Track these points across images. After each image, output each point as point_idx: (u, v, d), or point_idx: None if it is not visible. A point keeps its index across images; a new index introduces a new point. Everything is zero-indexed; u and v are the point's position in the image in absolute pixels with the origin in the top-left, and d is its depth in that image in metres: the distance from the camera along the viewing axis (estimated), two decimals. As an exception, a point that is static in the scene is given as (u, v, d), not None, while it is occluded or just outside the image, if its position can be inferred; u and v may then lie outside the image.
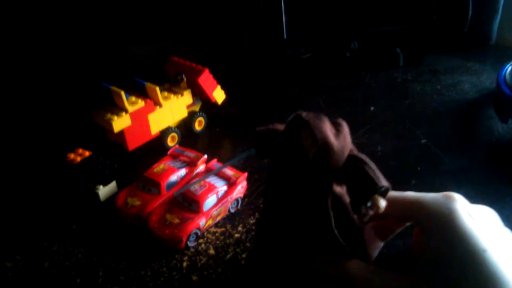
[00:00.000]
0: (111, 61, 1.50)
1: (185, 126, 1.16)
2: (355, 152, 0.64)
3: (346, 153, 0.62)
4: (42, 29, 1.45)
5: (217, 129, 1.21)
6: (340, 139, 0.62)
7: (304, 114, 0.62)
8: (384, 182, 0.59)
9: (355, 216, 0.64)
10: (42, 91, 1.42)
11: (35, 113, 1.34)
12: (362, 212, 0.61)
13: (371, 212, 0.60)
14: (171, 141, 1.12)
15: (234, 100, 1.27)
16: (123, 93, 1.00)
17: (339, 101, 1.30)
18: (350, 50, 1.38)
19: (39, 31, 1.46)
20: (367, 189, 0.59)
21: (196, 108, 1.19)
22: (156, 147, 1.11)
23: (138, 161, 1.08)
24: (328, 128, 0.61)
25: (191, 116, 1.16)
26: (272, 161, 0.69)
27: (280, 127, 0.69)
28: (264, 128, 0.70)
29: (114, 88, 1.01)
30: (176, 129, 1.12)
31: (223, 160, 1.01)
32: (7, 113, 1.33)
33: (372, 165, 0.61)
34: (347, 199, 0.64)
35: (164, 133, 1.10)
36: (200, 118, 1.17)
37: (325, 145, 0.59)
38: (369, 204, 0.59)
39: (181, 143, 1.14)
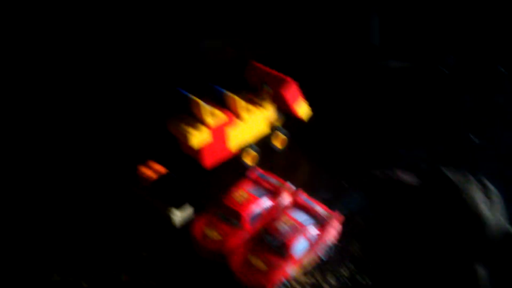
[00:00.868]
0: (179, 57, 1.38)
1: (264, 143, 1.04)
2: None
3: (501, 230, 0.51)
4: (112, 28, 1.35)
5: (300, 150, 1.08)
6: (494, 211, 0.51)
7: (449, 174, 0.52)
8: None
9: None
10: (109, 92, 1.32)
11: (104, 118, 1.21)
12: None
13: None
14: (250, 160, 1.01)
15: (320, 118, 1.12)
16: (202, 104, 0.89)
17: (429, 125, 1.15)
18: (447, 65, 1.23)
19: (109, 30, 1.36)
20: None
21: (278, 123, 1.07)
22: (233, 165, 1.00)
23: (214, 180, 0.97)
24: (479, 195, 0.51)
25: (273, 132, 1.04)
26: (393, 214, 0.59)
27: (405, 177, 0.59)
28: (383, 176, 0.60)
29: (193, 98, 0.90)
30: (256, 146, 1.01)
31: (310, 191, 0.89)
32: (75, 119, 1.22)
33: None
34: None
35: (243, 150, 0.99)
36: (282, 136, 1.05)
37: (478, 218, 0.49)
38: None
39: (259, 161, 1.03)
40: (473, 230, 0.50)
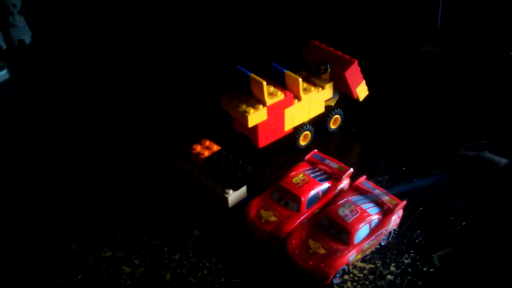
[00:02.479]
0: (234, 34, 1.34)
1: (318, 123, 1.00)
2: None
3: None
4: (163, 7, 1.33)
5: (353, 130, 1.04)
6: None
7: None
8: None
9: None
10: (166, 71, 1.30)
11: (158, 97, 1.19)
12: None
13: None
14: (303, 140, 0.98)
15: (375, 98, 1.08)
16: (265, 84, 0.85)
17: (497, 110, 1.08)
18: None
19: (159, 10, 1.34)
20: None
21: (333, 102, 1.03)
22: (285, 145, 0.97)
23: (267, 160, 0.95)
24: None
25: (328, 112, 1.00)
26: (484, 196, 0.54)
27: (494, 157, 0.54)
28: (473, 155, 0.55)
29: (254, 76, 0.87)
30: (310, 126, 0.97)
31: (367, 174, 0.85)
32: (132, 94, 1.22)
33: None
34: None
35: (298, 130, 0.96)
36: (337, 116, 1.01)
37: None
38: None
39: (313, 142, 0.99)
40: None
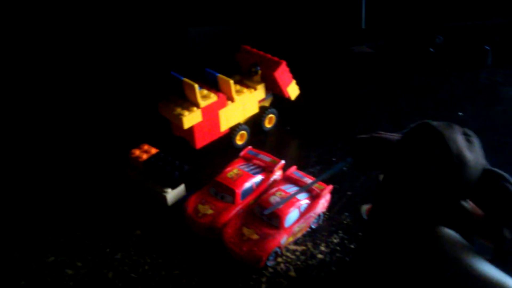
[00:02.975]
0: (172, 44, 1.39)
1: (254, 123, 1.06)
2: (489, 166, 0.55)
3: (480, 167, 0.53)
4: (99, 13, 1.36)
5: (288, 128, 1.10)
6: (474, 152, 0.54)
7: (434, 123, 0.54)
8: None
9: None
10: (102, 79, 1.33)
11: (96, 104, 1.23)
12: (506, 236, 0.52)
13: None
14: (240, 139, 1.03)
15: (306, 96, 1.15)
16: (197, 87, 0.90)
17: (421, 102, 1.17)
18: (435, 44, 1.25)
19: (97, 15, 1.37)
20: None
21: (267, 103, 1.09)
22: (223, 145, 1.02)
23: (204, 160, 0.99)
24: (461, 140, 0.53)
25: (262, 112, 1.05)
26: (385, 174, 0.60)
27: (387, 135, 0.61)
28: (368, 136, 0.61)
29: (187, 80, 0.92)
30: (245, 126, 1.02)
31: (300, 166, 0.91)
32: (64, 103, 1.25)
33: None
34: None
35: (234, 130, 1.01)
36: (271, 115, 1.07)
37: (460, 159, 0.51)
38: None
39: (249, 141, 1.04)
40: (455, 170, 0.52)
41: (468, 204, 0.55)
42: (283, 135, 1.09)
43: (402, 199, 0.57)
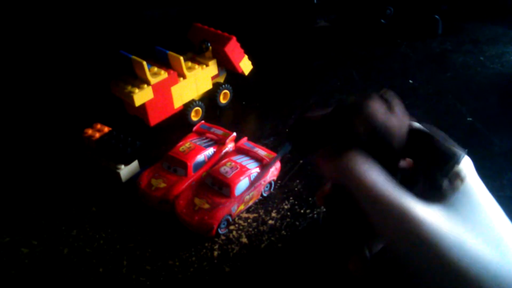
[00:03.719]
0: (128, 26, 1.39)
1: (209, 99, 1.07)
2: (415, 124, 0.56)
3: (405, 129, 0.55)
4: None
5: (243, 103, 1.12)
6: (396, 115, 0.55)
7: (351, 98, 0.54)
8: (459, 149, 0.53)
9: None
10: (55, 59, 1.33)
11: (48, 84, 1.24)
12: (444, 187, 0.54)
13: (459, 184, 0.53)
14: (195, 116, 1.04)
15: (261, 72, 1.17)
16: (145, 64, 0.91)
17: (373, 73, 1.20)
18: (385, 16, 1.28)
19: None
20: (447, 162, 0.52)
21: (221, 79, 1.10)
22: (178, 122, 1.03)
23: (160, 137, 1.00)
24: (379, 109, 0.53)
25: (216, 88, 1.07)
26: None
27: (316, 114, 0.61)
28: (297, 119, 0.62)
29: (135, 58, 0.92)
30: (200, 102, 1.04)
31: (252, 139, 0.93)
32: (17, 83, 1.24)
33: (441, 133, 0.54)
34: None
35: (188, 106, 1.02)
36: (225, 91, 1.09)
37: (384, 129, 0.52)
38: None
39: (205, 117, 1.06)
40: (382, 141, 0.53)
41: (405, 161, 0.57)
42: (238, 110, 1.10)
43: None
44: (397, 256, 0.49)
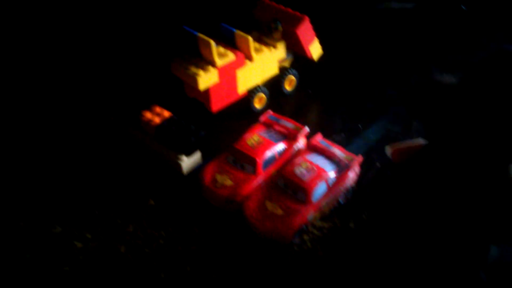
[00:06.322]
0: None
1: (273, 85, 0.97)
2: None
3: None
4: None
5: (309, 91, 1.02)
6: None
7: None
8: None
9: None
10: (113, 33, 1.23)
11: (103, 60, 1.14)
12: None
13: None
14: (258, 103, 0.95)
15: (329, 56, 1.05)
16: (213, 43, 0.82)
17: (452, 67, 1.09)
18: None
19: None
20: None
21: (287, 63, 1.00)
22: (240, 109, 0.94)
23: (221, 124, 0.92)
24: None
25: (282, 73, 0.97)
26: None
27: (445, 77, 0.52)
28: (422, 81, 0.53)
29: (202, 36, 0.83)
30: (264, 88, 0.94)
31: (324, 133, 0.83)
32: (72, 61, 1.15)
33: None
34: None
35: (252, 92, 0.93)
36: (292, 77, 0.99)
37: None
38: None
39: (268, 105, 0.97)
40: None
41: None
42: (304, 98, 1.00)
43: (470, 137, 0.48)
44: None
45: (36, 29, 1.19)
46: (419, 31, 1.19)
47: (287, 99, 1.00)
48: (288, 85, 0.99)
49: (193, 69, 0.83)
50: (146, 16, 1.24)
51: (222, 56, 0.85)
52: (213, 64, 0.84)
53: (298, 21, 0.92)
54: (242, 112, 0.94)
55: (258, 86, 0.93)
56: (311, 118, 0.96)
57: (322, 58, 1.01)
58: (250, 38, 0.86)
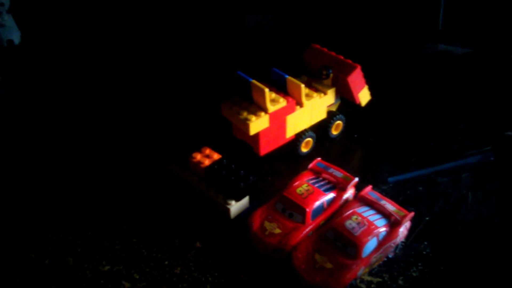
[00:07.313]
0: (231, 37, 1.31)
1: (319, 129, 0.98)
2: None
3: None
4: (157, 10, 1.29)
5: (355, 135, 1.02)
6: None
7: None
8: None
9: None
10: (162, 74, 1.26)
11: (158, 100, 1.16)
12: None
13: None
14: (305, 147, 0.96)
15: (378, 101, 1.06)
16: (267, 91, 0.83)
17: (503, 116, 1.07)
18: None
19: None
20: None
21: (334, 107, 1.00)
22: (286, 151, 0.95)
23: (267, 168, 0.92)
24: None
25: (329, 118, 0.97)
26: None
27: None
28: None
29: (256, 83, 0.84)
30: (312, 132, 0.95)
31: (371, 182, 0.83)
32: (125, 99, 1.18)
33: None
34: None
35: (299, 137, 0.93)
36: (339, 122, 0.99)
37: None
38: None
39: (314, 149, 0.97)
40: None
41: None
42: (350, 143, 1.01)
43: None
44: None
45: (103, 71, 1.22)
46: (467, 77, 1.18)
47: (333, 142, 1.00)
48: (335, 130, 1.00)
49: (245, 114, 0.84)
50: (200, 58, 1.27)
51: (274, 102, 0.86)
52: (264, 109, 0.85)
53: (350, 70, 0.92)
54: (288, 155, 0.95)
55: (306, 130, 0.94)
56: (357, 164, 0.95)
57: (370, 102, 1.01)
58: (302, 86, 0.87)
